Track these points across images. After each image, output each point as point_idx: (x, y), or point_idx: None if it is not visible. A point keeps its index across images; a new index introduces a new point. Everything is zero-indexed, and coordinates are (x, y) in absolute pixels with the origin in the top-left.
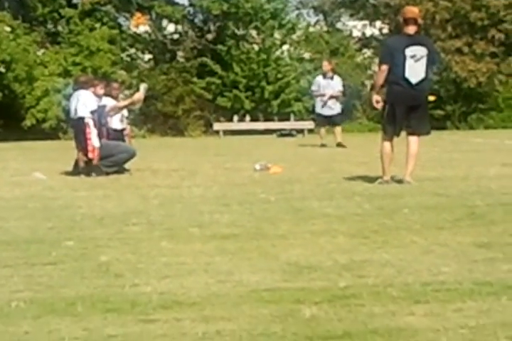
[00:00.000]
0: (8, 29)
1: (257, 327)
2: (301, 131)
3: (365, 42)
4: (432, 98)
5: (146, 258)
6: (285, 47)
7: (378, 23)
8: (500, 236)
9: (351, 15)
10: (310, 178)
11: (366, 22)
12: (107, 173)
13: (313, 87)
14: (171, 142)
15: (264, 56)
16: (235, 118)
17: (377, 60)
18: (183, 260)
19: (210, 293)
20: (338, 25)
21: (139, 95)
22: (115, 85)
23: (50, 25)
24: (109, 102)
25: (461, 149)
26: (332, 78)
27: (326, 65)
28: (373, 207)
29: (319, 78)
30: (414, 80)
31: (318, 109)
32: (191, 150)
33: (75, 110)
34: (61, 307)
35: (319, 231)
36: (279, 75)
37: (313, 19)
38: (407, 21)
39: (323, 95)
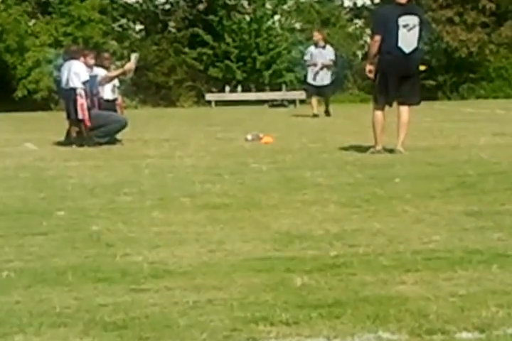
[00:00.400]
0: None
1: (248, 295)
2: (292, 102)
3: (356, 12)
4: (422, 68)
5: (138, 228)
6: (276, 17)
7: None
8: (490, 205)
9: None
10: (301, 148)
11: None
12: (99, 144)
13: (306, 57)
14: (162, 112)
15: (255, 26)
16: (227, 88)
17: (368, 30)
18: (175, 229)
19: (201, 262)
20: None
21: (130, 65)
22: (106, 55)
23: None
24: (100, 72)
25: (453, 119)
26: (324, 47)
27: (316, 35)
28: (365, 176)
29: (311, 48)
30: (407, 49)
31: (310, 80)
32: (183, 120)
33: (67, 80)
34: (52, 277)
35: (310, 201)
36: (271, 45)
37: None
38: None
39: (315, 65)
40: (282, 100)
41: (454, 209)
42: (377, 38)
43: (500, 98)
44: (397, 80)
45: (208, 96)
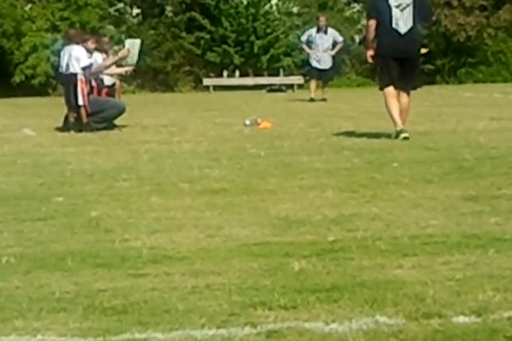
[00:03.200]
0: None
1: (246, 280)
2: (290, 86)
3: None
4: (424, 51)
5: (136, 214)
6: (274, 1)
7: None
8: (487, 190)
9: None
10: (299, 133)
11: None
12: (97, 129)
13: (303, 38)
14: (160, 97)
15: (252, 10)
16: (225, 73)
17: (365, 14)
18: (173, 215)
19: (200, 247)
20: None
21: (124, 51)
22: (105, 39)
23: None
24: (98, 57)
25: (451, 103)
26: (326, 32)
27: (322, 20)
28: (362, 161)
29: (312, 31)
30: (402, 30)
31: (314, 63)
32: (181, 105)
33: (67, 65)
34: (51, 263)
35: (308, 186)
36: (268, 30)
37: None
38: None
39: (309, 48)
40: (280, 85)
41: (452, 194)
42: (371, 22)
43: (498, 82)
44: (396, 62)
45: (206, 81)
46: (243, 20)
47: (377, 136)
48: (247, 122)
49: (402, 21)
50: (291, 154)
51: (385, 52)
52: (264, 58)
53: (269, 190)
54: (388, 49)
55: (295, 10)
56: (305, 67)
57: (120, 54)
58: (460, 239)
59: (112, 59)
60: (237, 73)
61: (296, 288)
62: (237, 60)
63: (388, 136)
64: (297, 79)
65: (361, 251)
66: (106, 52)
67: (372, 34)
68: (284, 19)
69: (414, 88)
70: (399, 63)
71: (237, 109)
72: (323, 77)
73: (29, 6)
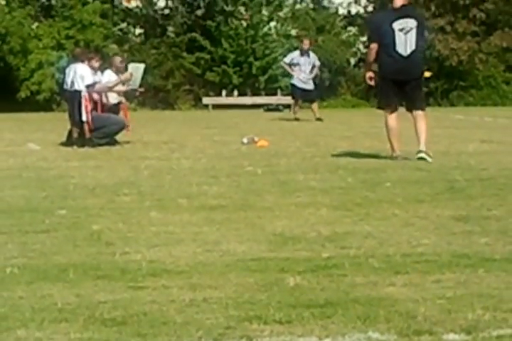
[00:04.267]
0: (3, 2)
1: (242, 295)
2: (287, 106)
3: (350, 19)
4: (427, 74)
5: (136, 228)
6: (272, 23)
7: (363, 1)
8: (478, 210)
9: None
10: (295, 152)
11: (351, 0)
12: (99, 145)
13: (286, 60)
14: (161, 115)
15: (252, 32)
16: (224, 92)
17: (362, 38)
18: (172, 229)
19: (198, 261)
20: (324, 3)
21: (126, 75)
22: (119, 59)
23: None
24: (111, 75)
25: (443, 125)
26: (308, 55)
27: (307, 44)
28: (356, 180)
29: (296, 54)
30: (405, 53)
31: (300, 83)
32: (181, 123)
33: (72, 82)
34: (54, 274)
35: (304, 204)
36: (267, 51)
37: None
38: None
39: (292, 70)
40: (277, 104)
41: (443, 214)
42: (373, 45)
43: (489, 105)
44: (398, 84)
45: (205, 100)
46: (242, 42)
47: (371, 156)
48: (245, 140)
49: (405, 44)
50: (288, 172)
51: (387, 74)
52: (262, 78)
53: (265, 207)
54: (390, 71)
55: (293, 32)
56: (291, 87)
57: (123, 77)
58: (451, 258)
59: (114, 81)
60: (235, 92)
61: (291, 303)
62: (235, 79)
63: (382, 156)
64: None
65: (354, 268)
66: (119, 71)
67: (372, 57)
68: (282, 41)
69: (423, 109)
70: (401, 86)
71: (235, 128)
72: (307, 97)
73: (36, 24)
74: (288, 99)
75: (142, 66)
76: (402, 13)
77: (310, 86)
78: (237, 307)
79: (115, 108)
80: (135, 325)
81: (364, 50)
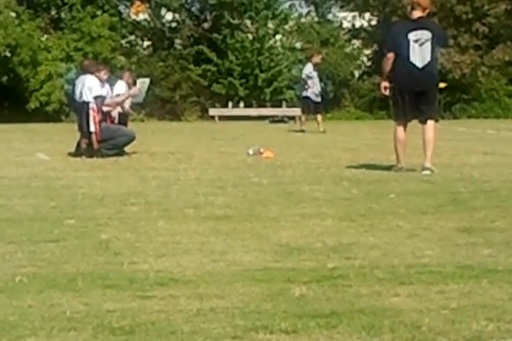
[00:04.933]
0: (14, 15)
1: (248, 304)
2: (292, 118)
3: (354, 33)
4: (442, 85)
5: (144, 237)
6: (278, 36)
7: (367, 15)
8: (481, 222)
9: (341, 7)
10: (300, 163)
11: (356, 13)
12: (107, 155)
13: (306, 72)
14: (168, 126)
15: (257, 45)
16: (230, 104)
17: (365, 51)
18: (179, 239)
19: (205, 271)
20: (329, 17)
21: (135, 90)
22: (129, 73)
23: (53, 12)
24: (122, 86)
25: (446, 138)
26: (318, 69)
27: (320, 58)
28: (361, 191)
29: (311, 68)
30: (420, 64)
31: (313, 97)
32: (187, 134)
33: (80, 94)
34: (62, 283)
35: (309, 214)
36: (272, 64)
37: (305, 10)
38: (411, 6)
39: (311, 82)
40: (282, 116)
41: (446, 225)
42: (390, 55)
43: (491, 118)
44: (413, 96)
45: (212, 111)
46: (248, 54)
47: (375, 167)
48: (250, 151)
49: (420, 56)
50: (293, 183)
51: (402, 85)
52: (268, 90)
53: (271, 218)
54: (405, 82)
55: (298, 45)
56: (303, 100)
57: (131, 92)
58: (454, 269)
59: (122, 96)
60: (241, 104)
61: (297, 313)
62: (241, 91)
63: (386, 168)
64: (299, 111)
65: (359, 278)
66: (131, 84)
67: (389, 67)
68: (287, 54)
69: (437, 120)
70: (415, 97)
71: (240, 139)
72: (318, 109)
73: (45, 36)
74: (293, 111)
75: (148, 81)
76: (419, 24)
77: (319, 99)
78: (244, 316)
79: (125, 119)
80: (143, 333)
81: (368, 63)
